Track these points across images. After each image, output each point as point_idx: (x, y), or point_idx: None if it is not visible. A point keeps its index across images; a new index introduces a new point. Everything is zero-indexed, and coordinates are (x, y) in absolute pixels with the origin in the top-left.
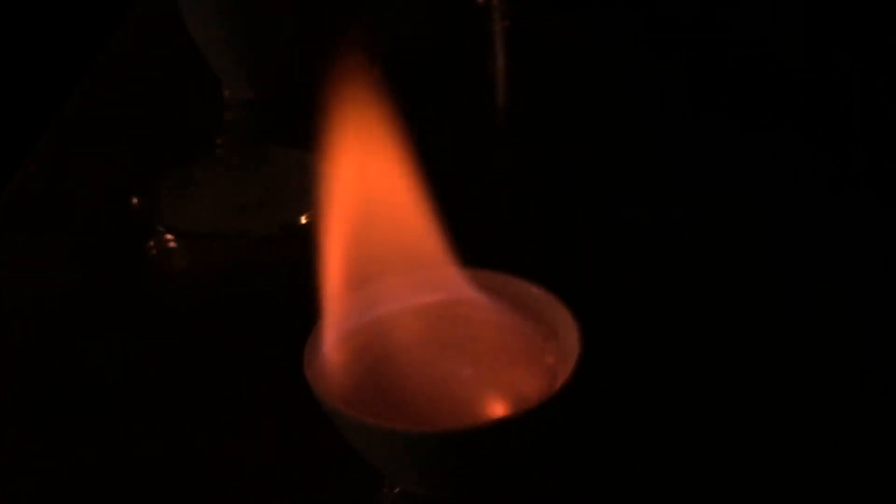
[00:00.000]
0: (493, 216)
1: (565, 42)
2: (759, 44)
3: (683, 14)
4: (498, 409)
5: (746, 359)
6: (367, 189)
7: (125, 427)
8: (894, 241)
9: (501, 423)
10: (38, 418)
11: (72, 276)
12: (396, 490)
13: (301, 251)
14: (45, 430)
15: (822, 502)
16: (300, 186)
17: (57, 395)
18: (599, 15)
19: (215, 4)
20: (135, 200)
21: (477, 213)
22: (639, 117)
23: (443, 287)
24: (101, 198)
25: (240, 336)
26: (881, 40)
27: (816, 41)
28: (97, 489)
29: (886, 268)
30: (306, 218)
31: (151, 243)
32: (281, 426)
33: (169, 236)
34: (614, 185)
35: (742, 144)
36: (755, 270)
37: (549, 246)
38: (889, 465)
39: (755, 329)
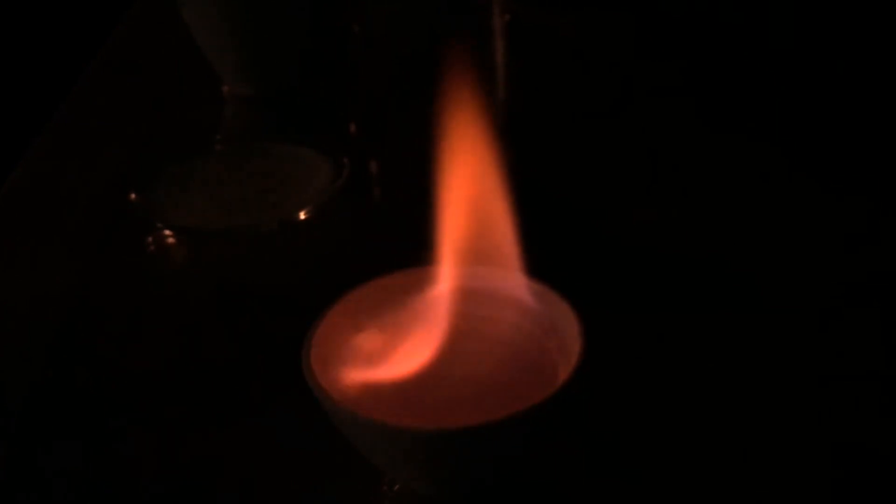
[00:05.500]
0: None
1: (565, 38)
2: (756, 43)
3: (682, 14)
4: (499, 407)
5: (746, 356)
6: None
7: (124, 425)
8: (892, 240)
9: (501, 422)
10: (37, 416)
11: (71, 272)
12: (396, 488)
13: (300, 247)
14: (45, 428)
15: (821, 501)
16: (299, 182)
17: (56, 393)
18: (598, 13)
19: (214, 2)
20: (133, 196)
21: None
22: (639, 115)
23: (443, 284)
24: (100, 194)
25: (238, 333)
26: (877, 41)
27: (814, 42)
28: (96, 487)
29: (886, 267)
30: (305, 214)
31: (150, 239)
32: (280, 424)
33: (167, 232)
34: (614, 182)
35: (742, 143)
36: (755, 268)
37: (549, 243)
38: (889, 467)
39: (755, 327)
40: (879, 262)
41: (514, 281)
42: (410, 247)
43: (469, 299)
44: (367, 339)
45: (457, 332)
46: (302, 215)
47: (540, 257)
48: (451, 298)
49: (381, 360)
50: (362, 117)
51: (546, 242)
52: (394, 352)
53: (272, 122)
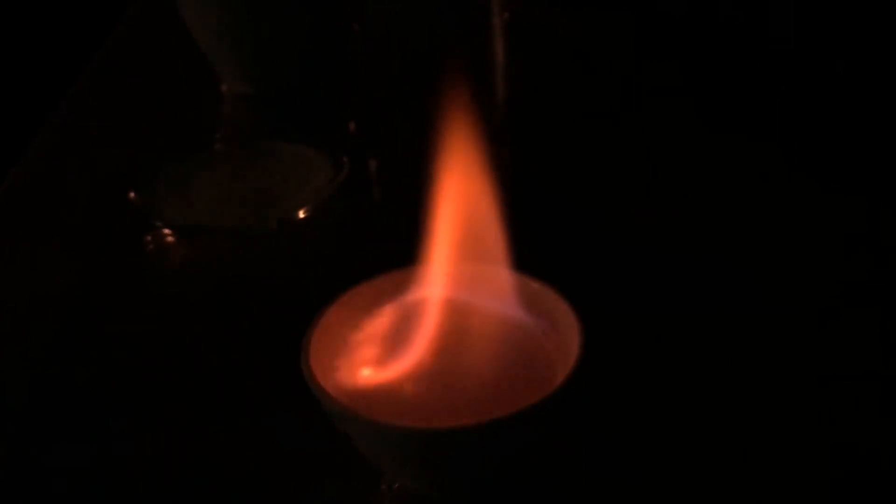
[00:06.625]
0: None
1: (565, 38)
2: (756, 43)
3: (682, 14)
4: (498, 407)
5: (746, 356)
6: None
7: (123, 425)
8: (892, 240)
9: (501, 422)
10: (37, 416)
11: (71, 272)
12: (395, 487)
13: (299, 246)
14: (45, 428)
15: (821, 501)
16: (298, 181)
17: (56, 393)
18: (598, 13)
19: (214, 1)
20: (133, 195)
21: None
22: (639, 115)
23: (441, 283)
24: (100, 193)
25: (238, 332)
26: (877, 41)
27: (814, 42)
28: (96, 487)
29: (886, 267)
30: (304, 213)
31: (149, 238)
32: (280, 424)
33: (167, 231)
34: (614, 182)
35: (742, 143)
36: (755, 268)
37: (549, 243)
38: (889, 467)
39: (755, 327)
40: (879, 262)
41: (513, 280)
42: (410, 246)
43: (468, 298)
44: (366, 339)
45: (455, 332)
46: (301, 214)
47: (540, 257)
48: (450, 297)
49: (379, 360)
50: (362, 117)
51: (546, 242)
52: (393, 351)
53: (272, 122)
